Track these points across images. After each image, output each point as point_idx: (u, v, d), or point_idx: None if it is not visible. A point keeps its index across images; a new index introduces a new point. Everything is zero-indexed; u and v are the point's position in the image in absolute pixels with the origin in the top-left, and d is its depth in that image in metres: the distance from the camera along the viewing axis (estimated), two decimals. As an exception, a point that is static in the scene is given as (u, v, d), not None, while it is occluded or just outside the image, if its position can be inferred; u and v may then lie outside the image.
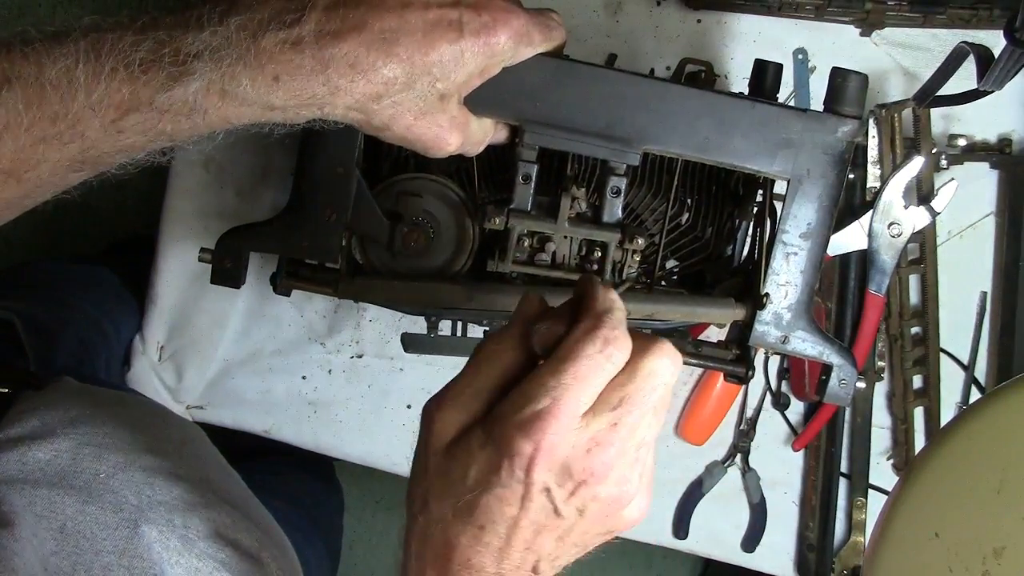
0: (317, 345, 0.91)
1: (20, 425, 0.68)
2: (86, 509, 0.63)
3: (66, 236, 1.63)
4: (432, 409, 0.50)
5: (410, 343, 0.73)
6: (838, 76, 0.65)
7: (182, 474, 0.69)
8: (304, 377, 0.92)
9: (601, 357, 0.47)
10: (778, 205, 0.69)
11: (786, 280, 0.68)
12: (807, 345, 0.69)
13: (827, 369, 0.70)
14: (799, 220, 0.67)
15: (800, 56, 0.86)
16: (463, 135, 0.59)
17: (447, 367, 0.91)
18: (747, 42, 0.86)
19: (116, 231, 1.59)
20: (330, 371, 0.92)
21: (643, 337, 0.49)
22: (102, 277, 1.04)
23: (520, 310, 0.52)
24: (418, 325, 0.75)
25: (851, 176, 0.83)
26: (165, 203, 0.88)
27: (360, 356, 0.91)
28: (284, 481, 1.08)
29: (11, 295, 0.91)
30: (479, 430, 0.48)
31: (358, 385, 0.92)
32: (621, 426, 0.48)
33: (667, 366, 0.49)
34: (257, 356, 0.91)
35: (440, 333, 0.76)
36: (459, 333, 0.76)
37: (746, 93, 0.72)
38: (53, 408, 0.70)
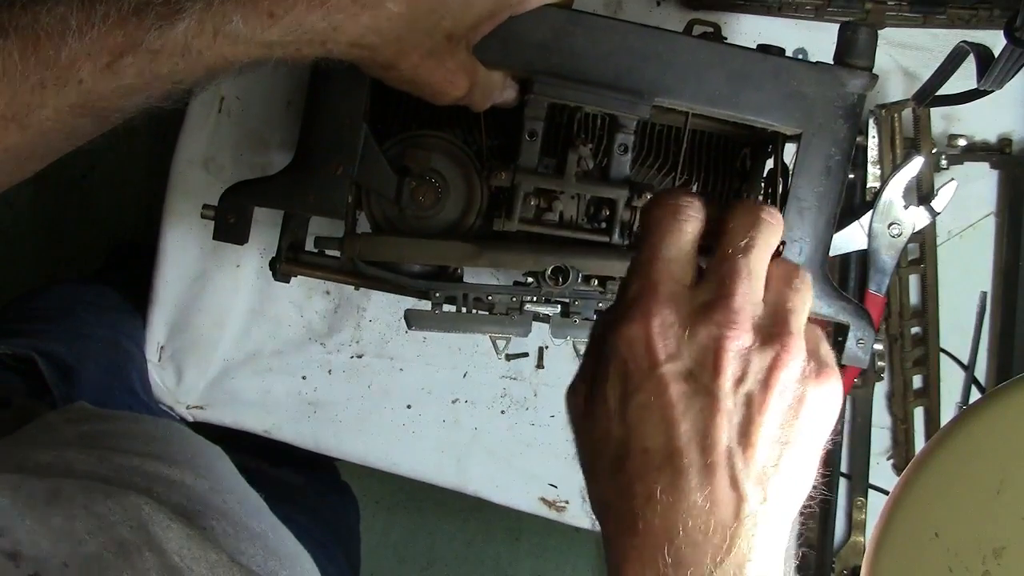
0: (317, 345, 0.91)
1: (27, 437, 0.68)
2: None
3: (67, 239, 1.63)
4: (566, 399, 0.48)
5: (414, 319, 0.71)
6: (847, 29, 0.64)
7: (187, 483, 0.69)
8: (304, 377, 0.91)
9: (668, 215, 0.46)
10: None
11: (800, 236, 0.66)
12: (822, 303, 0.67)
13: (842, 330, 0.67)
14: (812, 174, 0.65)
15: (800, 56, 0.85)
16: (471, 81, 0.59)
17: (446, 367, 0.91)
18: (747, 42, 0.85)
19: (116, 234, 1.59)
20: (330, 371, 0.91)
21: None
22: (111, 298, 1.04)
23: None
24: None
25: (851, 176, 0.83)
26: (165, 203, 0.88)
27: (360, 356, 0.91)
28: (303, 495, 1.07)
29: (28, 329, 0.91)
30: (601, 369, 0.45)
31: (358, 385, 0.91)
32: (737, 276, 0.44)
33: (755, 213, 0.46)
34: (257, 356, 0.91)
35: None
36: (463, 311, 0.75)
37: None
38: (64, 424, 0.70)
